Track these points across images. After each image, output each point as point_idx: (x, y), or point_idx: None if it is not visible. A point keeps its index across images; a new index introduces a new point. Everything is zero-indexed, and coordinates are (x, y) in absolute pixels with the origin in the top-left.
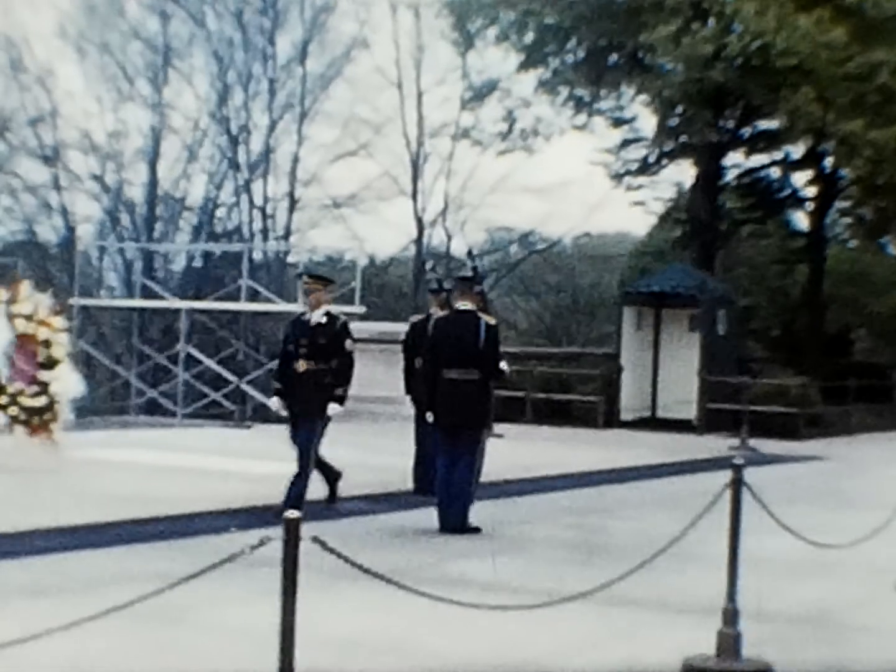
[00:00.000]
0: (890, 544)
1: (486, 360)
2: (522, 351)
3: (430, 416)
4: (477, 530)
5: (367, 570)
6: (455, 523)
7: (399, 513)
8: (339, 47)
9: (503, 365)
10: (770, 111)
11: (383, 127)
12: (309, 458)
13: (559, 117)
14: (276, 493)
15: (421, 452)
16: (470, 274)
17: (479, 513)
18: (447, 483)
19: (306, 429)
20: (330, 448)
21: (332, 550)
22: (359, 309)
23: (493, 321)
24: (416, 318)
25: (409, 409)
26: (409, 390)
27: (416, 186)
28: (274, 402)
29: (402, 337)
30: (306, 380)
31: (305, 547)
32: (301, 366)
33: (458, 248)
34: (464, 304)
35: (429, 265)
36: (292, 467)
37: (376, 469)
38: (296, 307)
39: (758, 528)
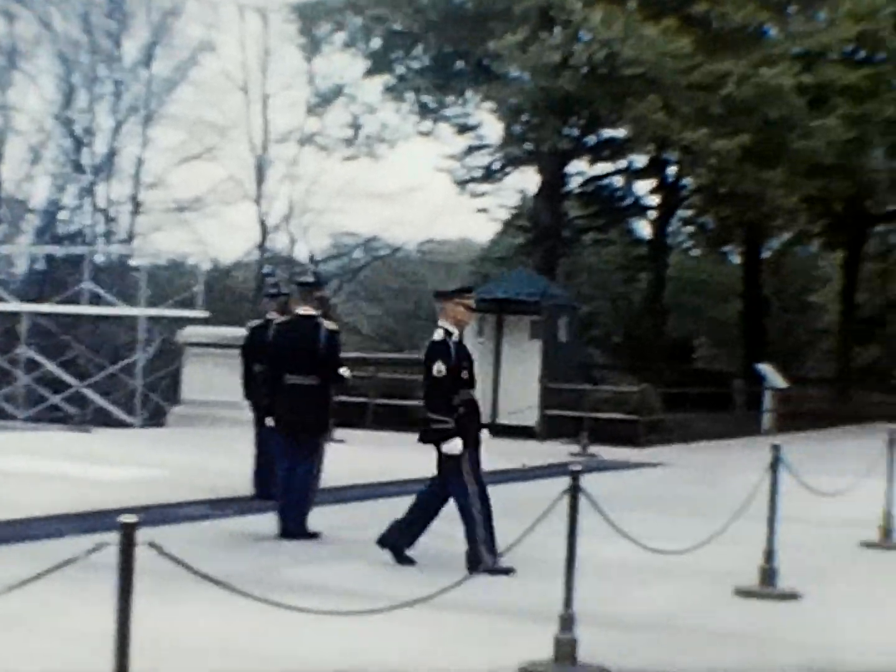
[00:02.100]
0: (728, 550)
1: (327, 365)
2: (365, 356)
3: (270, 421)
4: (316, 535)
5: (204, 576)
6: (294, 528)
7: (239, 518)
8: (186, 50)
9: (343, 370)
10: (615, 120)
11: (229, 131)
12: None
13: (405, 123)
14: (116, 498)
15: (261, 457)
16: (311, 279)
17: (319, 518)
18: (287, 488)
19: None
20: (171, 453)
21: (168, 555)
22: (201, 313)
23: (333, 327)
24: (254, 322)
25: (248, 413)
26: (248, 395)
27: (261, 191)
28: None
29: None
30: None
31: (144, 552)
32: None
33: (302, 253)
34: (305, 310)
35: (267, 269)
36: (131, 471)
37: (217, 474)
38: (138, 311)
39: (596, 535)
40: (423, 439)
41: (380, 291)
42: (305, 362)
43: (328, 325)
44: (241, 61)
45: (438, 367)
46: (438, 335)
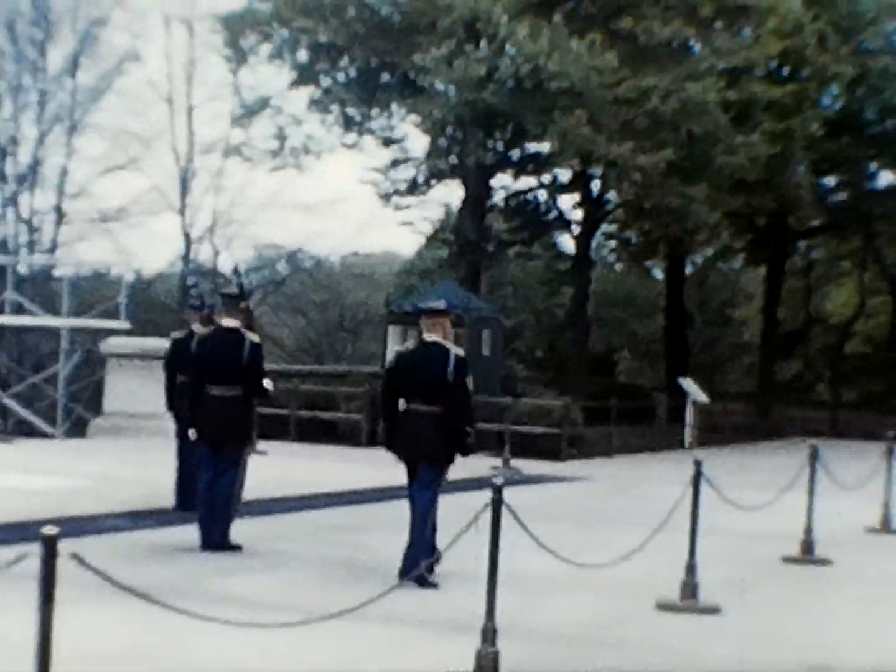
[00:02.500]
0: (650, 563)
1: (250, 377)
2: (288, 368)
3: (192, 433)
4: (238, 548)
5: (125, 587)
6: (216, 540)
7: (161, 529)
8: (111, 60)
9: (266, 382)
10: (540, 134)
11: (153, 141)
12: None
13: (330, 135)
14: (36, 508)
15: (183, 468)
16: (235, 291)
17: (241, 530)
18: (209, 499)
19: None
20: (93, 464)
21: (90, 567)
22: (124, 324)
23: (256, 339)
24: (177, 334)
25: (171, 424)
26: (171, 406)
27: (185, 201)
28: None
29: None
30: None
31: (66, 563)
32: None
33: (226, 265)
34: (229, 322)
35: (191, 281)
36: (53, 482)
37: (139, 484)
38: (61, 321)
39: (518, 548)
40: (468, 452)
41: (303, 304)
42: (229, 374)
43: (252, 336)
44: (167, 72)
45: (471, 381)
46: (460, 351)
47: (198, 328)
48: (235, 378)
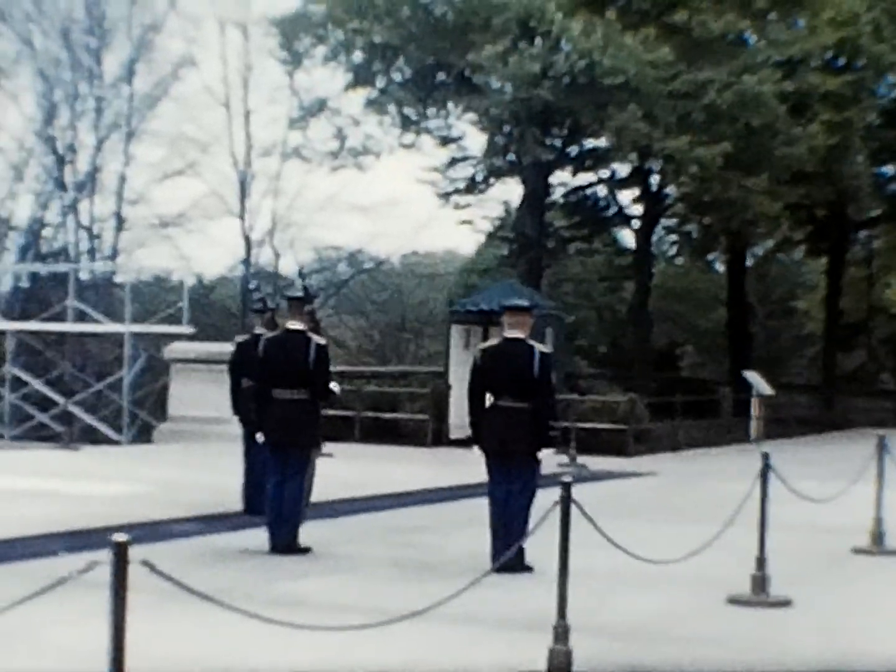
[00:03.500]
0: (719, 558)
1: (316, 379)
2: (351, 370)
3: (260, 437)
4: (307, 550)
5: (196, 592)
6: (285, 543)
7: (229, 533)
8: (167, 66)
9: (333, 385)
10: (597, 130)
11: (211, 146)
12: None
13: (388, 136)
14: (104, 514)
15: (250, 472)
16: (301, 294)
17: (309, 533)
18: (277, 503)
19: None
20: (159, 469)
21: (160, 573)
22: (187, 329)
23: (322, 341)
24: (241, 337)
25: (237, 428)
26: (236, 410)
27: (244, 205)
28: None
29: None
30: None
31: (136, 569)
32: None
33: (287, 267)
34: (294, 324)
35: (253, 284)
36: (120, 488)
37: (205, 489)
38: (123, 328)
39: (588, 545)
40: (553, 445)
41: (365, 305)
42: (295, 377)
43: (317, 339)
44: (223, 76)
45: (555, 377)
46: (545, 347)
47: (262, 332)
48: (302, 381)
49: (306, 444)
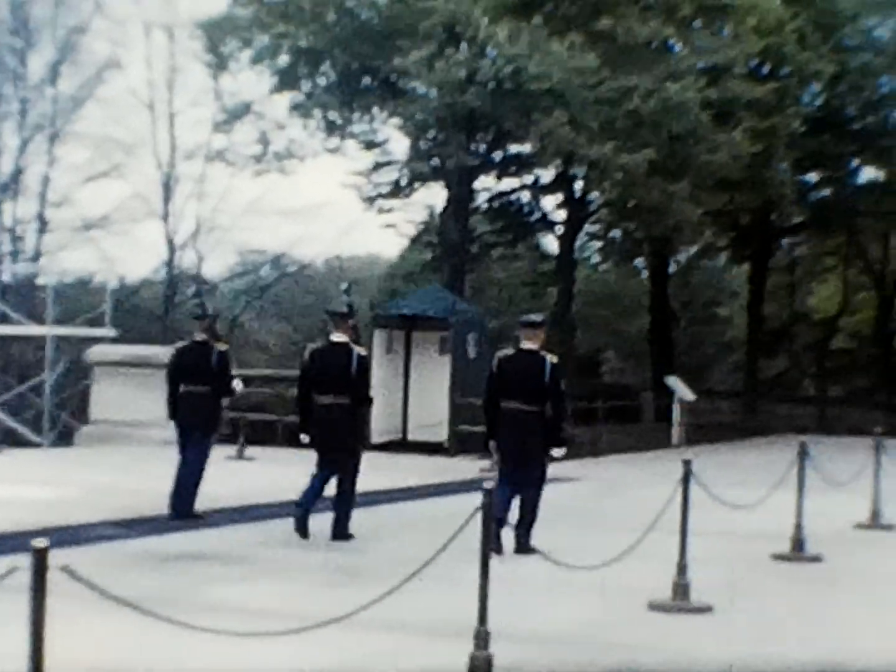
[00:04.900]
0: (641, 564)
1: (358, 387)
2: (274, 374)
3: (304, 438)
4: (351, 536)
5: (116, 598)
6: (341, 535)
7: (154, 537)
8: (92, 68)
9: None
10: (521, 135)
11: (135, 148)
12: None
13: (312, 140)
14: (26, 518)
15: (182, 477)
16: (345, 309)
17: (230, 537)
18: (311, 496)
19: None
20: (81, 472)
21: (80, 579)
22: (110, 332)
23: (364, 352)
24: (180, 344)
25: (161, 432)
26: (173, 415)
27: (168, 208)
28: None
29: (160, 360)
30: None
31: (56, 574)
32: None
33: (210, 270)
34: (338, 336)
35: (191, 291)
36: (42, 491)
37: (130, 493)
38: (46, 330)
39: (508, 550)
40: (564, 444)
41: (288, 309)
42: (338, 384)
43: (359, 350)
44: (148, 79)
45: (564, 384)
46: (555, 358)
47: (201, 337)
48: (344, 387)
49: (350, 445)
